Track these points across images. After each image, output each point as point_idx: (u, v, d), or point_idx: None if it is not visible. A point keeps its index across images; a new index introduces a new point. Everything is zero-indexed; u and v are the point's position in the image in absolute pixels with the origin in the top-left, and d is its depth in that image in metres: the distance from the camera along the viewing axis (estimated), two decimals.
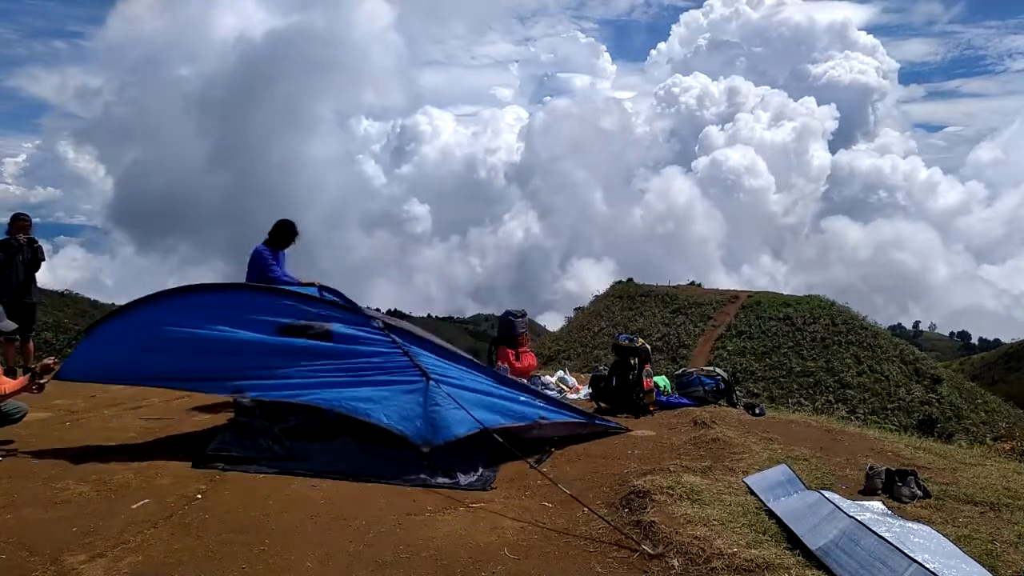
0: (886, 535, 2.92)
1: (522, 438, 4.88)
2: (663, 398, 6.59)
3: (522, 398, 5.14)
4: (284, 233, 6.99)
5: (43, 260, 7.80)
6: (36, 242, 7.71)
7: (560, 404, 5.49)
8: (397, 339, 4.90)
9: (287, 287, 5.59)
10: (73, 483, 4.09)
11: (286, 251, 7.11)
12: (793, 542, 3.17)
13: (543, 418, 5.03)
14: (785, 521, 3.36)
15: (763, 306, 33.46)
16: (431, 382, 4.61)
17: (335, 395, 4.60)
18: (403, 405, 4.51)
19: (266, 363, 4.74)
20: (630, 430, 5.54)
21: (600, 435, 5.34)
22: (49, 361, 4.69)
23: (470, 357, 5.42)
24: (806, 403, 24.92)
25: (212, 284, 5.19)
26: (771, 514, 3.50)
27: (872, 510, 3.46)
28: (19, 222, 7.67)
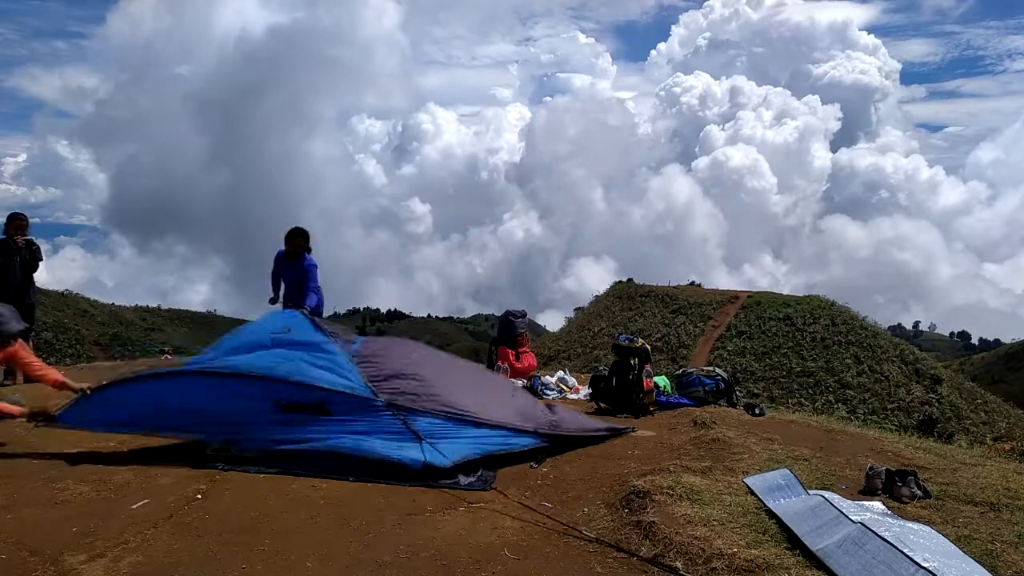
0: (888, 537, 2.92)
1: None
2: (663, 398, 6.59)
3: (526, 438, 4.98)
4: (285, 240, 7.11)
5: (41, 260, 7.79)
6: (34, 243, 7.70)
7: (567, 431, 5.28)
8: (397, 412, 4.75)
9: (289, 378, 5.02)
10: (73, 483, 4.09)
11: (309, 255, 7.19)
12: (793, 542, 3.17)
13: (549, 437, 5.00)
14: (786, 521, 3.36)
15: (763, 306, 33.44)
16: (424, 442, 4.54)
17: (326, 445, 4.55)
18: (401, 445, 4.53)
19: (258, 424, 4.70)
20: (635, 430, 5.53)
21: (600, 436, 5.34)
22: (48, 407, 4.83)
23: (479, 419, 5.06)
24: (806, 403, 24.91)
25: (206, 371, 4.94)
26: (771, 514, 3.50)
27: (872, 510, 3.46)
28: (16, 221, 7.64)
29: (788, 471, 4.04)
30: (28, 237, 7.67)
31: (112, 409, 4.81)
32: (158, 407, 4.78)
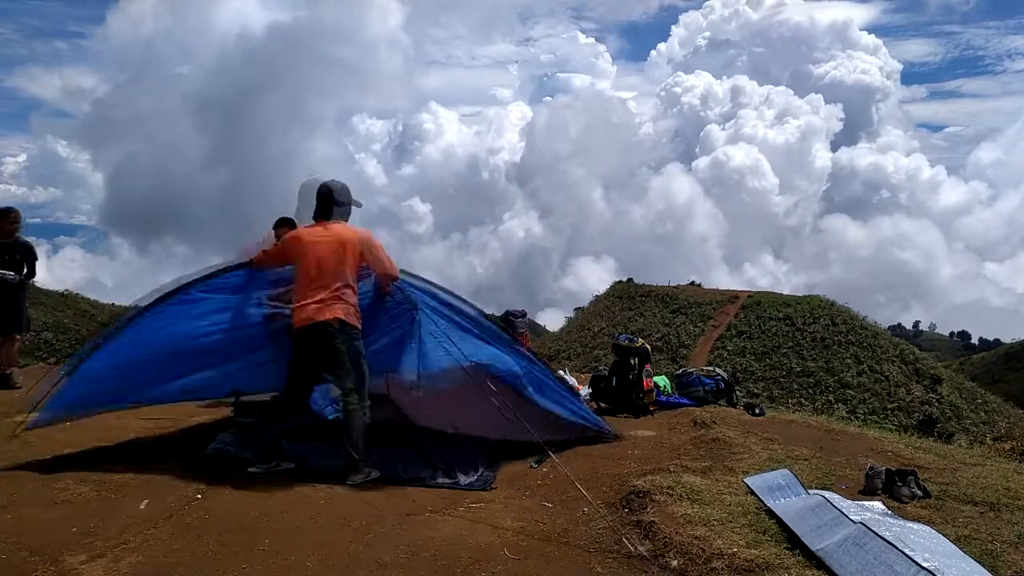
0: (888, 537, 2.92)
1: (519, 441, 4.85)
2: (663, 398, 6.59)
3: (514, 360, 4.85)
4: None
5: (36, 260, 7.65)
6: (28, 243, 7.58)
7: (556, 390, 5.16)
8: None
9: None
10: (73, 483, 4.08)
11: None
12: (793, 542, 3.17)
13: (528, 393, 4.78)
14: (786, 521, 3.36)
15: (763, 306, 33.44)
16: (418, 311, 4.51)
17: None
18: (398, 336, 4.47)
19: (259, 357, 4.53)
20: (622, 438, 5.28)
21: (600, 437, 5.33)
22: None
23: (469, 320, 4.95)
24: (806, 403, 24.91)
25: (177, 289, 4.60)
26: (771, 514, 3.50)
27: (872, 510, 3.46)
28: (9, 216, 7.47)
29: (788, 471, 4.04)
30: (20, 237, 7.50)
31: (87, 387, 4.43)
32: (139, 368, 4.41)
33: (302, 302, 4.22)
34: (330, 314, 4.15)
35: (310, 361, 4.27)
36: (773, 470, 4.11)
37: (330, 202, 4.41)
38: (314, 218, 4.42)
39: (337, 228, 4.36)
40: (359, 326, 4.30)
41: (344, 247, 4.27)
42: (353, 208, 4.55)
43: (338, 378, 4.25)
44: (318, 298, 4.18)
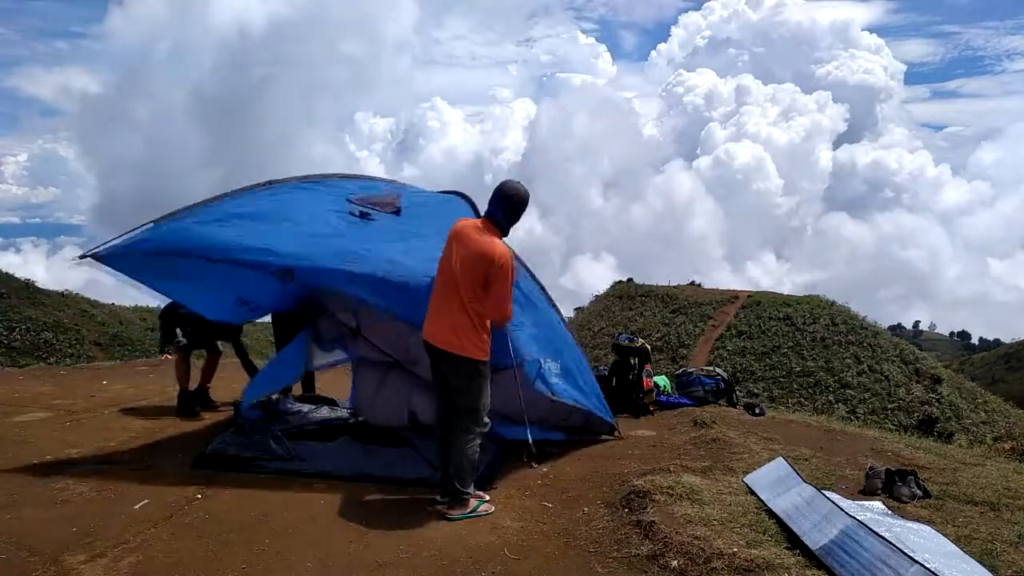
0: (886, 535, 2.92)
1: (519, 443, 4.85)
2: (663, 398, 6.59)
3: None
4: None
5: None
6: None
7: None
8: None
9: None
10: (73, 483, 4.09)
11: None
12: (793, 542, 3.17)
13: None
14: (785, 521, 3.36)
15: (763, 306, 33.40)
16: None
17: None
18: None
19: (326, 232, 4.27)
20: (621, 437, 5.29)
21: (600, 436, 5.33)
22: None
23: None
24: (806, 403, 24.89)
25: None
26: (771, 514, 3.50)
27: (872, 510, 3.46)
28: None
29: (783, 460, 4.05)
30: None
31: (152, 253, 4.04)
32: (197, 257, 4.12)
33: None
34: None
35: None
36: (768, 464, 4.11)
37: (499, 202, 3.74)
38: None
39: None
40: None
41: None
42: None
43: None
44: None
